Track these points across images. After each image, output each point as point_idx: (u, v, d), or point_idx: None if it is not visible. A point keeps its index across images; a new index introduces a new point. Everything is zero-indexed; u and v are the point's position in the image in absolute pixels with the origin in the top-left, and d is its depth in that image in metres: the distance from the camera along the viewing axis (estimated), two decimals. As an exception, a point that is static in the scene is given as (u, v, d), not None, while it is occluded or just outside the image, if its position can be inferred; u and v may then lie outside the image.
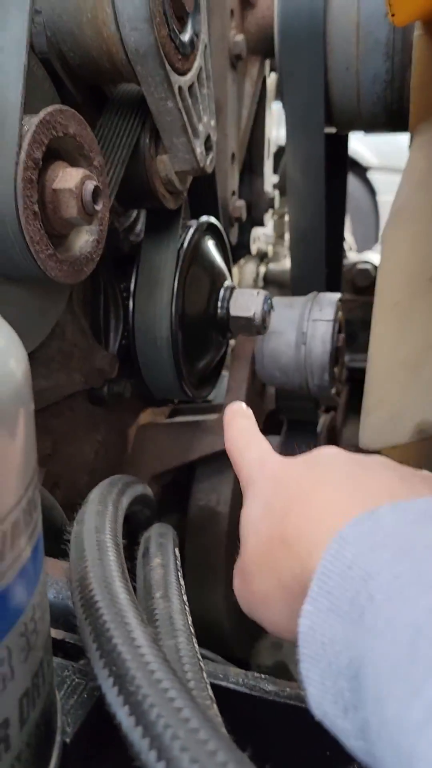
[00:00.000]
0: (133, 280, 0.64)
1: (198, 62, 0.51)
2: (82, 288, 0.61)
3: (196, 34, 0.50)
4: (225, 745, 0.25)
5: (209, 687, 0.33)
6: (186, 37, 0.48)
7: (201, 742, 0.25)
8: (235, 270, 1.09)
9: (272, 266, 1.27)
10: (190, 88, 0.51)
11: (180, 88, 0.49)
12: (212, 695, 0.33)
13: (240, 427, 0.44)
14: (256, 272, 1.23)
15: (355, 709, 0.24)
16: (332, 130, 0.85)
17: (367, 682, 0.22)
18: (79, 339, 0.59)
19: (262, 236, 1.21)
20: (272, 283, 1.27)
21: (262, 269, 1.27)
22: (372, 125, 0.79)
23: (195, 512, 0.81)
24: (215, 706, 0.32)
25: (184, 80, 0.49)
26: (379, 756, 0.22)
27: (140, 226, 0.67)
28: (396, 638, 0.21)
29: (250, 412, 0.47)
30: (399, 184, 0.73)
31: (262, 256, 1.25)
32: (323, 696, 0.25)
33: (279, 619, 0.32)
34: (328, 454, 0.36)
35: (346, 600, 0.24)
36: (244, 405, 0.48)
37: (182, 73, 0.49)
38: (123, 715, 0.27)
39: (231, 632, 0.84)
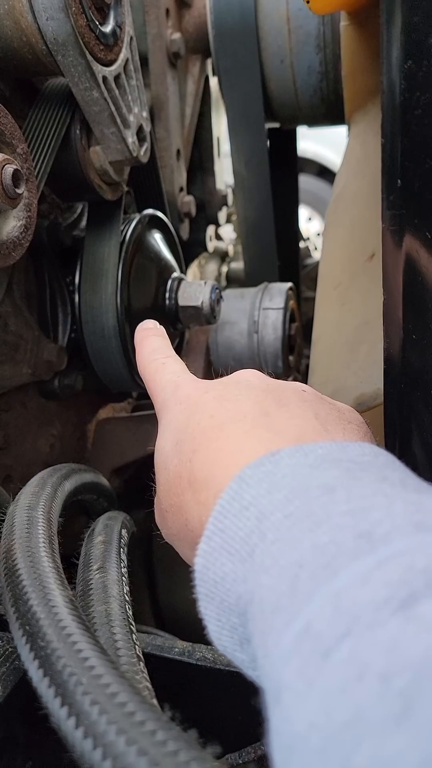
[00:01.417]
0: (77, 273, 0.65)
1: (124, 54, 0.53)
2: (25, 282, 0.61)
3: (119, 26, 0.51)
4: (128, 689, 0.26)
5: (138, 647, 0.34)
6: (108, 28, 0.50)
7: (103, 686, 0.25)
8: (195, 269, 1.10)
9: (234, 265, 1.29)
10: (117, 78, 0.52)
11: (105, 78, 0.50)
12: (140, 655, 0.34)
13: (153, 347, 0.42)
14: (218, 272, 1.25)
15: (248, 643, 0.24)
16: (276, 125, 0.87)
17: (254, 617, 0.23)
18: (24, 331, 0.60)
19: (224, 237, 1.23)
20: (235, 282, 1.28)
21: (224, 269, 1.28)
22: (313, 118, 0.81)
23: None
24: (142, 664, 0.33)
25: (109, 71, 0.51)
26: (264, 687, 0.22)
27: (85, 222, 0.68)
28: (281, 574, 0.22)
29: (162, 330, 0.45)
30: (338, 171, 0.75)
31: (223, 256, 1.27)
32: (220, 631, 0.26)
33: (191, 558, 0.32)
34: (244, 380, 0.34)
35: (239, 539, 0.25)
36: (155, 323, 0.46)
37: (106, 64, 0.50)
38: (33, 669, 0.27)
39: (202, 624, 0.84)
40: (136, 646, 0.34)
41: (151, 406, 0.91)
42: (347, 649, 0.17)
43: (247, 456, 0.28)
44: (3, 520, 0.42)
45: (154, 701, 0.29)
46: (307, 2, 0.50)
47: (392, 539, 0.20)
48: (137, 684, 0.29)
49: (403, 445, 0.41)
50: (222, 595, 0.25)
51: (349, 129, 0.74)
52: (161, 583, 0.89)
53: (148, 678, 0.32)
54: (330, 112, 0.79)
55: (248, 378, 0.35)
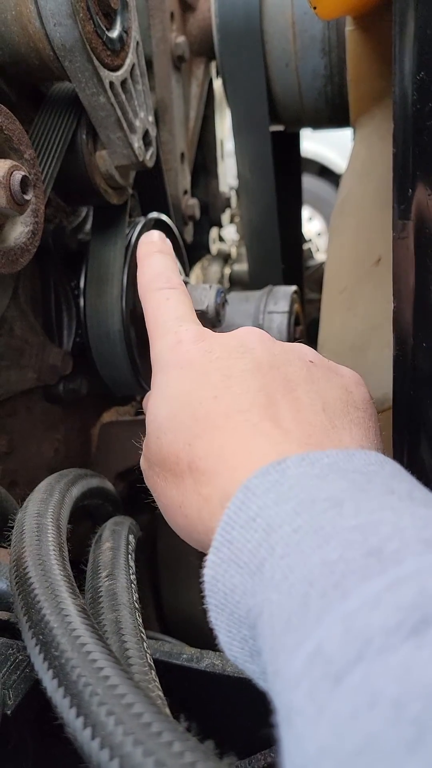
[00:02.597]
0: (82, 277, 0.65)
1: (130, 59, 0.53)
2: (30, 286, 0.61)
3: (125, 31, 0.51)
4: (144, 699, 0.26)
5: (149, 655, 0.34)
6: (115, 33, 0.50)
7: (119, 696, 0.25)
8: (198, 271, 1.10)
9: (237, 267, 1.29)
10: (123, 83, 0.52)
11: (111, 83, 0.50)
12: (151, 663, 0.34)
13: (156, 270, 0.38)
14: (220, 273, 1.25)
15: (259, 655, 0.24)
16: (280, 127, 0.87)
17: (264, 632, 0.23)
18: (29, 336, 0.60)
19: (227, 239, 1.23)
20: (237, 284, 1.28)
21: (227, 271, 1.28)
22: (317, 121, 0.81)
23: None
24: (153, 672, 0.33)
25: (116, 76, 0.51)
26: (274, 699, 0.22)
27: (90, 225, 0.68)
28: (291, 591, 0.22)
29: (169, 245, 0.40)
30: (343, 175, 0.75)
31: (226, 258, 1.27)
32: (231, 642, 0.26)
33: (177, 530, 0.32)
34: (249, 348, 0.32)
35: (247, 551, 0.24)
36: (161, 234, 0.40)
37: (113, 69, 0.50)
38: (47, 679, 0.28)
39: (208, 628, 0.85)
40: (147, 655, 0.34)
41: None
42: (359, 674, 0.17)
43: (253, 457, 0.27)
44: (11, 527, 0.42)
45: (167, 710, 0.29)
46: (314, 8, 0.50)
47: (403, 558, 0.20)
48: (150, 693, 0.29)
49: (412, 451, 0.41)
50: (232, 607, 0.25)
51: (354, 133, 0.74)
52: (165, 586, 0.89)
53: (159, 687, 0.32)
54: (334, 116, 0.79)
55: (253, 346, 0.33)
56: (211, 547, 0.26)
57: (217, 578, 0.25)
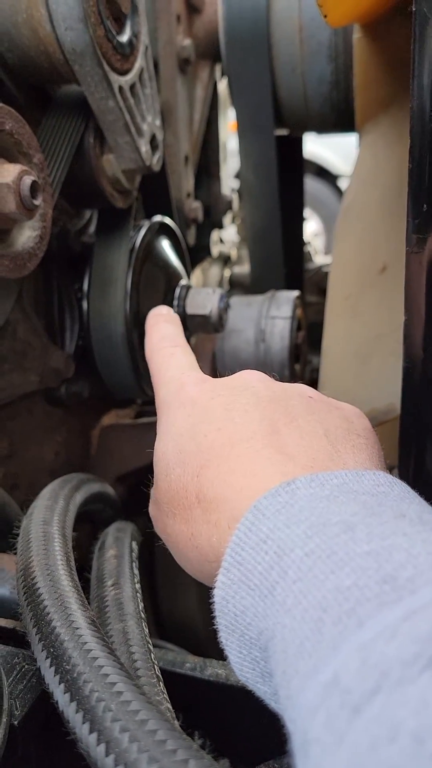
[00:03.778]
0: (86, 280, 0.64)
1: (139, 63, 0.52)
2: (33, 288, 0.61)
3: (135, 35, 0.51)
4: (157, 715, 0.25)
5: (156, 667, 0.34)
6: (124, 38, 0.49)
7: (133, 712, 0.25)
8: (199, 273, 1.10)
9: (237, 269, 1.29)
10: (132, 88, 0.52)
11: (121, 87, 0.50)
12: (159, 675, 0.34)
13: (162, 334, 0.40)
14: (220, 275, 1.25)
15: (270, 677, 0.24)
16: (285, 131, 0.87)
17: (276, 656, 0.23)
18: (32, 338, 0.59)
19: (227, 240, 1.22)
20: (237, 286, 1.28)
21: (227, 273, 1.28)
22: (322, 126, 0.81)
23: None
24: (162, 684, 0.33)
25: (125, 80, 0.50)
26: (288, 725, 0.22)
27: (94, 228, 0.67)
28: (304, 617, 0.22)
29: (176, 317, 0.43)
30: (349, 181, 0.75)
31: (226, 260, 1.26)
32: (242, 663, 0.26)
33: (189, 567, 0.32)
34: (250, 386, 0.33)
35: (258, 573, 0.24)
36: (169, 309, 0.44)
37: (122, 73, 0.50)
38: (59, 693, 0.27)
39: (205, 632, 0.84)
40: (155, 666, 0.34)
41: (155, 413, 0.91)
42: (378, 706, 0.17)
43: (259, 480, 0.28)
44: (16, 534, 0.42)
45: (176, 723, 0.29)
46: (325, 16, 0.50)
47: (418, 588, 0.20)
48: (160, 706, 0.29)
49: (418, 462, 0.41)
50: (243, 628, 0.25)
51: (359, 139, 0.74)
52: (163, 590, 0.88)
53: (168, 699, 0.32)
54: (339, 121, 0.79)
55: (253, 384, 0.34)
56: (221, 567, 0.26)
57: (227, 599, 0.25)
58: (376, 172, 0.68)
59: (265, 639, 0.24)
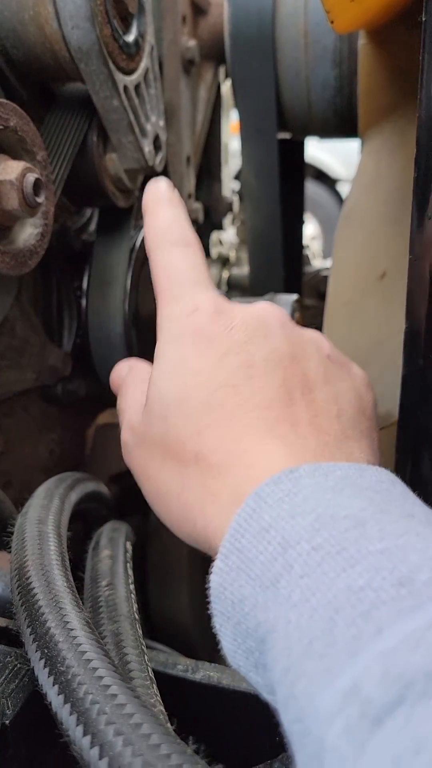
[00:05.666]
0: (86, 279, 0.64)
1: (145, 63, 0.52)
2: (32, 286, 0.61)
3: (141, 35, 0.51)
4: (151, 719, 0.25)
5: (150, 669, 0.34)
6: (131, 37, 0.49)
7: (127, 715, 0.25)
8: (197, 274, 1.10)
9: (235, 271, 1.29)
10: (137, 87, 0.52)
11: (126, 87, 0.50)
12: (153, 677, 0.33)
13: (166, 221, 0.33)
14: (219, 277, 1.25)
15: (264, 669, 0.24)
16: (287, 135, 0.87)
17: (276, 651, 0.22)
18: (30, 336, 0.59)
19: (226, 242, 1.22)
20: (236, 288, 1.28)
21: (226, 274, 1.28)
22: (324, 130, 0.81)
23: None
24: (155, 687, 0.33)
25: (130, 80, 0.50)
26: (286, 722, 0.22)
27: (94, 226, 0.67)
28: (313, 615, 0.21)
29: (177, 196, 0.35)
30: (350, 187, 0.76)
31: (225, 261, 1.26)
32: (235, 651, 0.25)
33: (166, 517, 0.31)
34: (271, 335, 0.30)
35: (259, 563, 0.24)
36: (168, 182, 0.35)
37: (127, 73, 0.50)
38: (53, 695, 0.27)
39: (196, 633, 0.84)
40: (149, 668, 0.33)
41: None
42: (402, 718, 0.16)
43: (269, 458, 0.27)
44: (10, 532, 0.41)
45: (170, 726, 0.29)
46: (332, 22, 0.50)
47: None
48: (153, 709, 0.29)
49: (415, 471, 0.41)
50: (239, 617, 0.24)
51: (362, 145, 0.74)
52: (153, 589, 0.88)
53: (161, 702, 0.31)
54: (342, 126, 0.79)
55: (273, 330, 0.31)
56: (219, 553, 0.25)
57: (224, 586, 0.25)
58: (378, 179, 0.68)
59: (263, 631, 0.23)
